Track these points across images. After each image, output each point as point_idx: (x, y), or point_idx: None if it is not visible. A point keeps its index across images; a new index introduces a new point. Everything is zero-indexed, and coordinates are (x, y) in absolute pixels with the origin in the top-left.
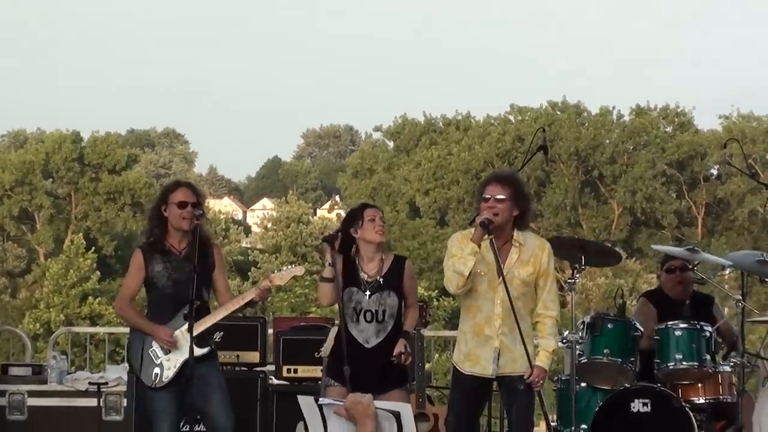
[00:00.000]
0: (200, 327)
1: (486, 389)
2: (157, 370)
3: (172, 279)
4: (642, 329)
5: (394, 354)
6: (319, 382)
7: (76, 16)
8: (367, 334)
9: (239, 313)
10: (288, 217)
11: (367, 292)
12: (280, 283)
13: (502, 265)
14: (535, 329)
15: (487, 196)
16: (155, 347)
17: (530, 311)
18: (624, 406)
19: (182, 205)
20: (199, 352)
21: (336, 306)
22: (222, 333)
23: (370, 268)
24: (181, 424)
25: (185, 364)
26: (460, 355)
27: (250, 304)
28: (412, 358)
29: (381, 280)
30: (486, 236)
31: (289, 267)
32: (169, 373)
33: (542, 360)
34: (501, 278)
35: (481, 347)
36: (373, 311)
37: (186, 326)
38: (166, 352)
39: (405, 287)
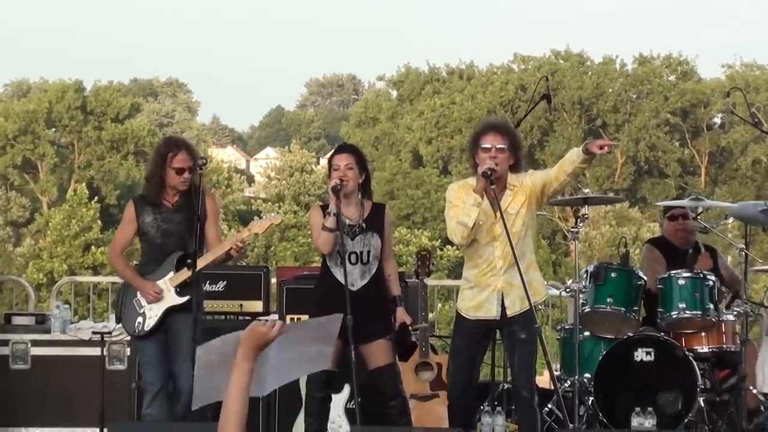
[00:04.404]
0: (180, 277)
1: (488, 335)
2: (139, 319)
3: (161, 230)
4: (646, 278)
5: (399, 325)
6: None
7: None
8: (352, 277)
9: (241, 262)
10: (291, 166)
11: (350, 235)
12: (258, 231)
13: (498, 206)
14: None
15: (488, 145)
16: (139, 297)
17: (532, 248)
18: (627, 355)
19: (180, 171)
20: (179, 300)
21: None
22: (225, 282)
23: (350, 212)
24: None
25: (167, 313)
26: (463, 302)
27: (229, 255)
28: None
29: (363, 223)
30: (489, 187)
31: (270, 214)
32: (150, 322)
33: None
34: (498, 214)
35: (483, 292)
36: (358, 252)
37: (170, 275)
38: (150, 301)
39: (384, 233)
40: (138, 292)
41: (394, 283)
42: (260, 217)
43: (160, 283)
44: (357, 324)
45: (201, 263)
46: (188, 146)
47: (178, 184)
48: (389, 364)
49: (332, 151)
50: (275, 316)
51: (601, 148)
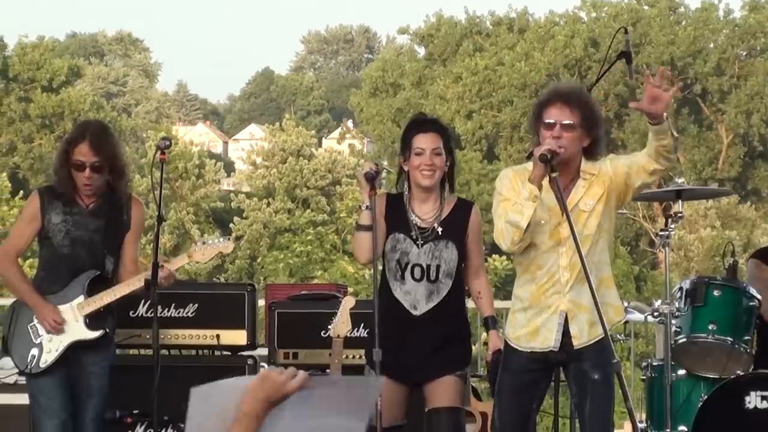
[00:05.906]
0: (91, 306)
1: (547, 374)
2: (34, 351)
3: (71, 237)
4: (759, 297)
5: (493, 354)
6: (327, 371)
7: None
8: (414, 297)
9: (219, 278)
10: (284, 149)
11: (419, 241)
12: (200, 260)
13: (563, 201)
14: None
15: (551, 120)
16: (36, 323)
17: (607, 258)
18: (737, 400)
19: (80, 167)
20: (90, 335)
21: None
22: (196, 305)
23: (424, 210)
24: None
25: (70, 348)
26: (514, 328)
27: (160, 285)
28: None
29: (439, 227)
30: (549, 174)
31: (217, 240)
32: (48, 357)
33: None
34: (564, 215)
35: (541, 315)
36: (424, 266)
37: (79, 300)
38: (48, 330)
39: (469, 241)
40: (35, 316)
41: (486, 300)
42: (202, 243)
43: (66, 308)
44: (416, 359)
45: (109, 297)
46: (94, 135)
47: (80, 185)
48: (452, 409)
49: (410, 125)
50: (264, 351)
51: (654, 100)
